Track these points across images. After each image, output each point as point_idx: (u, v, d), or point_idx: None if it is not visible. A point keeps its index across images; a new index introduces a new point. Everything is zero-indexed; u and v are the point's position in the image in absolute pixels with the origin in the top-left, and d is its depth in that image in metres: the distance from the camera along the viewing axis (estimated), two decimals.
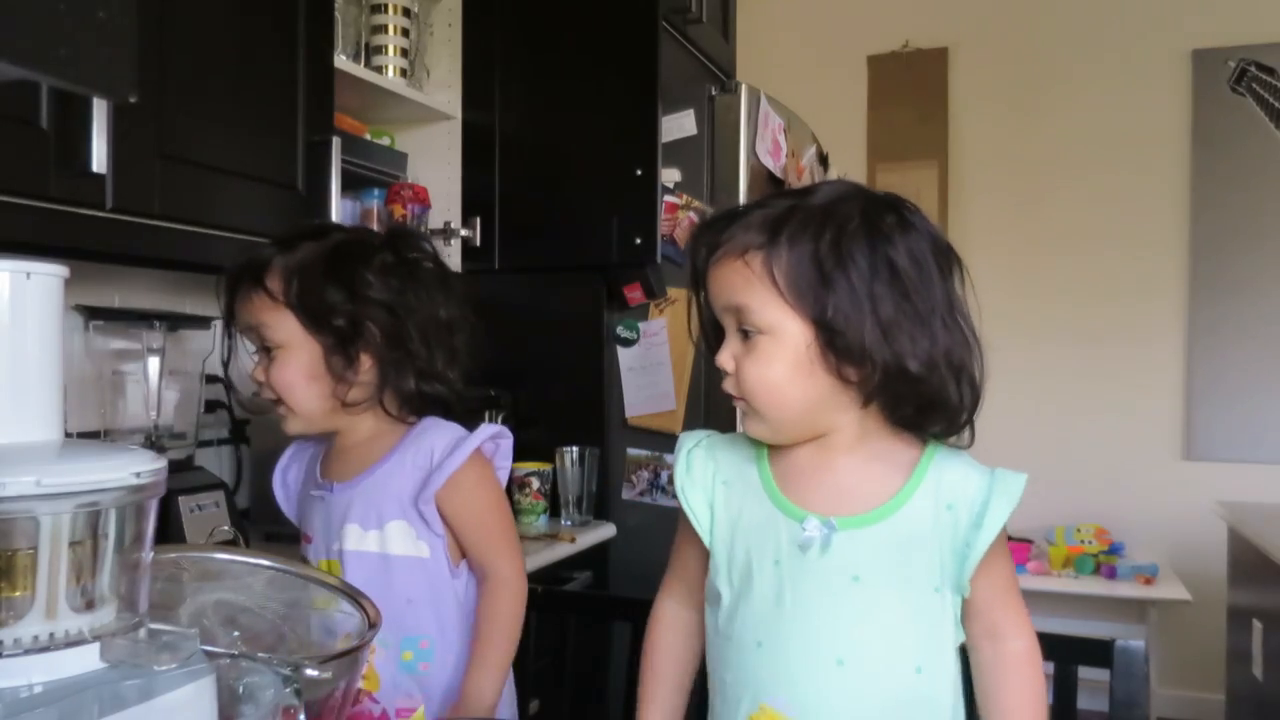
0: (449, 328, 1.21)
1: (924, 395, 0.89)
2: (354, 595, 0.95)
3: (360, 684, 1.11)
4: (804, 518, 0.91)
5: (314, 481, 1.25)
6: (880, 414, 0.92)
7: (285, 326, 1.16)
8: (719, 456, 1.01)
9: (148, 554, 0.68)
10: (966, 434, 0.94)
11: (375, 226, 2.03)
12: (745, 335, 0.91)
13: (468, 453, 1.18)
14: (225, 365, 1.23)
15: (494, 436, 1.22)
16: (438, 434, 1.21)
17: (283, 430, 1.21)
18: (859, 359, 0.87)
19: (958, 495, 0.90)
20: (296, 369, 1.16)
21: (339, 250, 1.18)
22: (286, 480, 1.32)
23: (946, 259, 0.92)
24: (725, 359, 0.92)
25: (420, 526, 1.19)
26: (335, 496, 1.20)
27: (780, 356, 0.88)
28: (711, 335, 0.97)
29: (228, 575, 0.92)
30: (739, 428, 1.01)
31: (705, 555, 1.00)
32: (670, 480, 2.23)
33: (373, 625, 0.91)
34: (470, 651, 1.18)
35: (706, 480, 1.01)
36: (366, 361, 1.17)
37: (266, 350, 1.17)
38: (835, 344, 0.87)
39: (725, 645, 0.96)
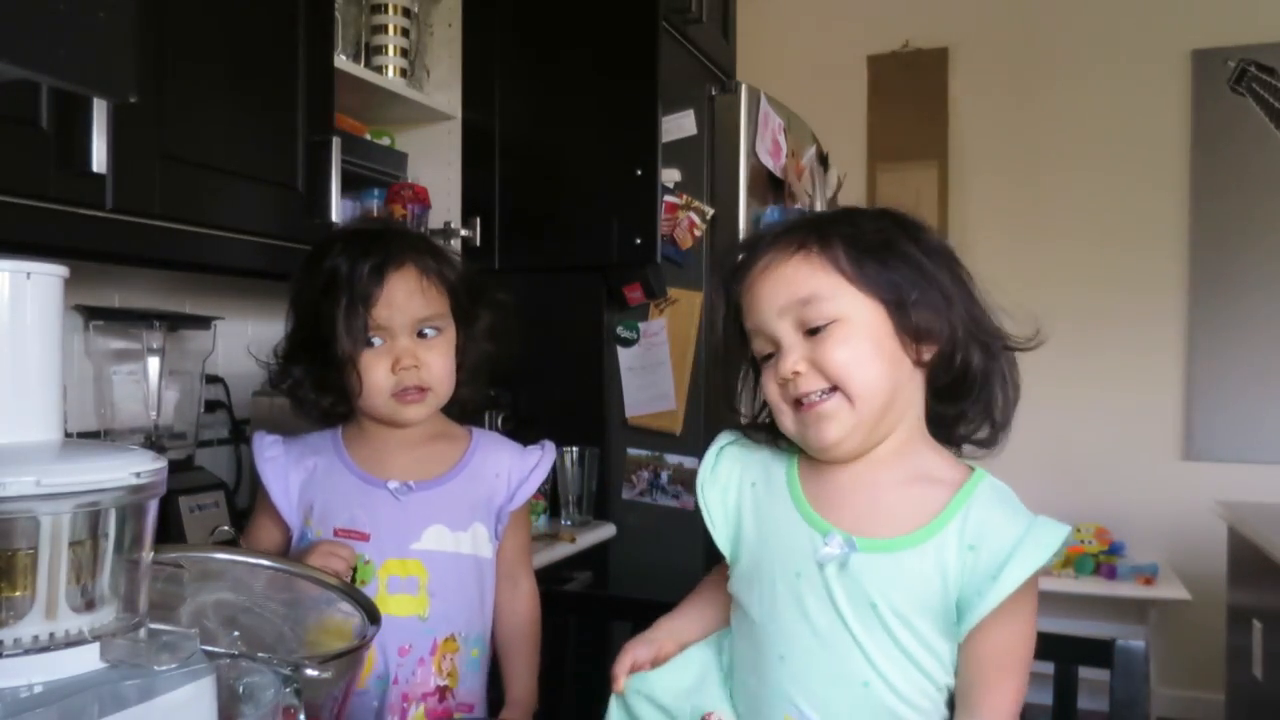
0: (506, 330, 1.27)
1: (985, 371, 0.90)
2: (354, 595, 0.95)
3: (444, 681, 1.15)
4: (828, 531, 0.89)
5: (364, 479, 1.18)
6: (923, 419, 0.92)
7: (447, 310, 1.19)
8: (750, 457, 0.99)
9: (148, 554, 0.68)
10: (998, 438, 0.94)
11: None
12: (812, 334, 0.88)
13: (544, 476, 1.25)
14: (353, 359, 1.15)
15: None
16: (502, 447, 1.27)
17: (408, 418, 1.18)
18: (934, 333, 0.88)
19: (984, 536, 0.84)
20: (450, 353, 1.20)
21: (434, 244, 1.24)
22: (284, 469, 1.20)
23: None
24: (793, 362, 0.88)
25: (492, 533, 1.23)
26: (416, 494, 1.18)
27: (860, 336, 0.87)
28: (735, 357, 0.96)
29: (228, 575, 0.92)
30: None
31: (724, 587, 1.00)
32: (670, 480, 2.24)
33: (373, 622, 0.91)
34: (520, 657, 1.27)
35: (732, 481, 0.99)
36: (462, 349, 1.22)
37: (421, 335, 1.17)
38: (908, 320, 0.87)
39: (751, 651, 0.95)
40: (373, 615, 0.92)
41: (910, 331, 0.87)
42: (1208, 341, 3.43)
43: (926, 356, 0.89)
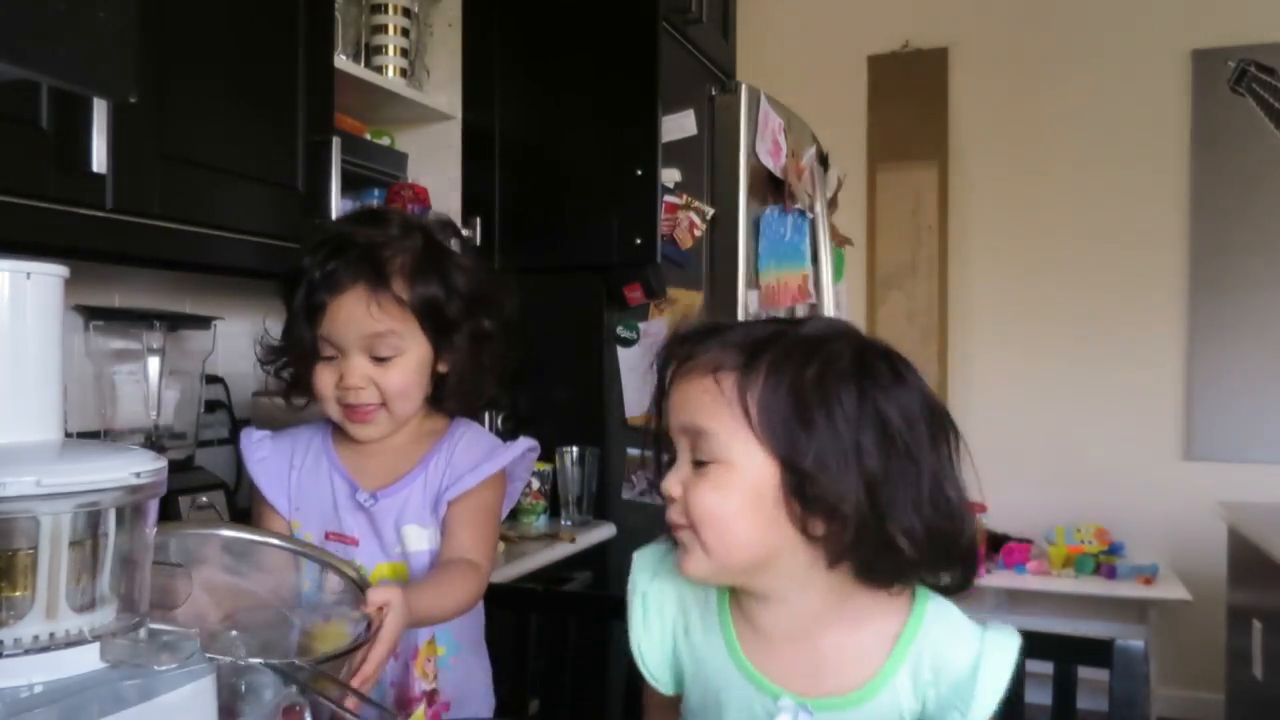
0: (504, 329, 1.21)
1: (902, 560, 0.79)
2: (354, 580, 0.95)
3: (430, 685, 1.13)
4: (778, 696, 0.83)
5: (348, 483, 1.19)
6: (849, 573, 0.82)
7: (409, 329, 1.13)
8: (675, 592, 0.91)
9: (148, 554, 0.68)
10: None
11: None
12: (699, 464, 0.81)
13: (493, 469, 1.17)
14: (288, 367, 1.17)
15: (529, 450, 1.22)
16: (474, 436, 1.22)
17: (356, 436, 1.16)
18: (830, 512, 0.77)
19: (940, 667, 0.81)
20: (414, 372, 1.15)
21: (431, 244, 1.17)
22: (277, 468, 1.21)
23: (940, 423, 0.82)
24: (672, 484, 0.82)
25: (434, 520, 1.18)
26: (383, 502, 1.17)
27: (736, 488, 0.79)
28: (660, 458, 0.88)
29: (225, 557, 0.92)
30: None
31: (677, 705, 0.93)
32: None
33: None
34: (425, 578, 1.13)
35: (667, 628, 0.92)
36: (449, 363, 1.18)
37: (379, 357, 1.13)
38: (804, 491, 0.77)
39: None
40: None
41: (805, 502, 0.78)
42: (1208, 341, 3.43)
43: (815, 531, 0.78)
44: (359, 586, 0.94)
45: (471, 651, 1.24)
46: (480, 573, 1.15)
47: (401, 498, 1.18)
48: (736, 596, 0.87)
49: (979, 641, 0.81)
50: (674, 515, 0.83)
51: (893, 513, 0.77)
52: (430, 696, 1.15)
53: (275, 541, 0.96)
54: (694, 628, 0.90)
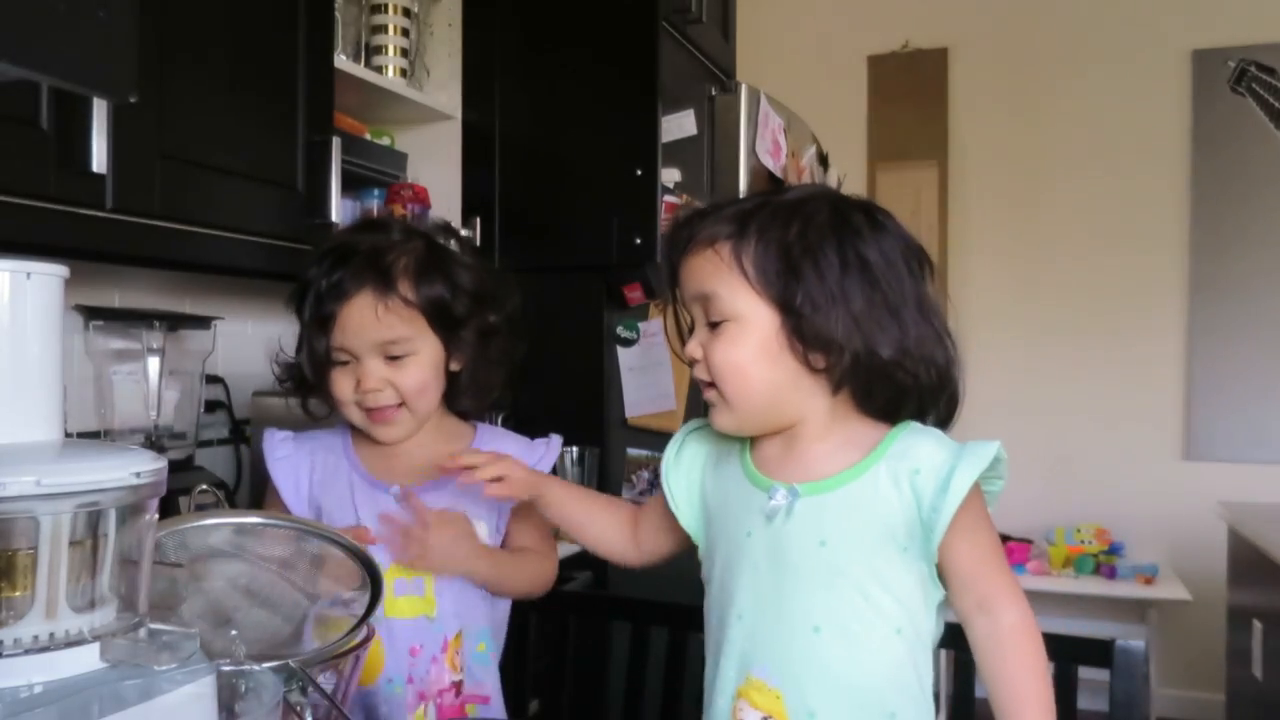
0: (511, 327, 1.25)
1: (896, 383, 0.91)
2: (360, 557, 0.95)
3: (459, 676, 1.16)
4: (770, 487, 0.93)
5: (367, 481, 1.20)
6: (850, 401, 0.93)
7: (419, 329, 1.16)
8: (716, 441, 1.03)
9: (148, 554, 0.68)
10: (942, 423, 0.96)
11: None
12: (713, 326, 0.92)
13: (546, 469, 1.22)
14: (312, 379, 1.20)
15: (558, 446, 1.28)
16: (505, 442, 1.25)
17: (380, 438, 1.19)
18: (827, 345, 0.89)
19: (923, 461, 0.89)
20: (428, 369, 1.18)
21: (433, 246, 1.20)
22: (296, 469, 1.23)
23: (918, 259, 0.94)
24: (693, 348, 0.95)
25: (493, 528, 1.21)
26: (416, 499, 1.18)
27: (746, 341, 0.91)
28: (686, 332, 0.99)
29: (224, 551, 0.92)
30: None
31: (666, 518, 1.05)
32: None
33: (375, 585, 0.91)
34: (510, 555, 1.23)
35: (696, 462, 1.04)
36: (461, 360, 1.20)
37: (393, 357, 1.15)
38: (803, 330, 0.89)
39: (714, 622, 0.98)
40: (374, 576, 0.92)
41: (800, 338, 0.89)
42: (1208, 341, 3.43)
43: (819, 365, 0.90)
44: (362, 562, 0.94)
45: (500, 650, 1.26)
46: (552, 563, 1.25)
47: (434, 497, 1.19)
48: (756, 440, 0.98)
49: (960, 445, 0.90)
50: (699, 374, 0.95)
51: (879, 337, 0.89)
52: (457, 688, 1.16)
53: (273, 521, 0.96)
54: (721, 459, 1.02)
